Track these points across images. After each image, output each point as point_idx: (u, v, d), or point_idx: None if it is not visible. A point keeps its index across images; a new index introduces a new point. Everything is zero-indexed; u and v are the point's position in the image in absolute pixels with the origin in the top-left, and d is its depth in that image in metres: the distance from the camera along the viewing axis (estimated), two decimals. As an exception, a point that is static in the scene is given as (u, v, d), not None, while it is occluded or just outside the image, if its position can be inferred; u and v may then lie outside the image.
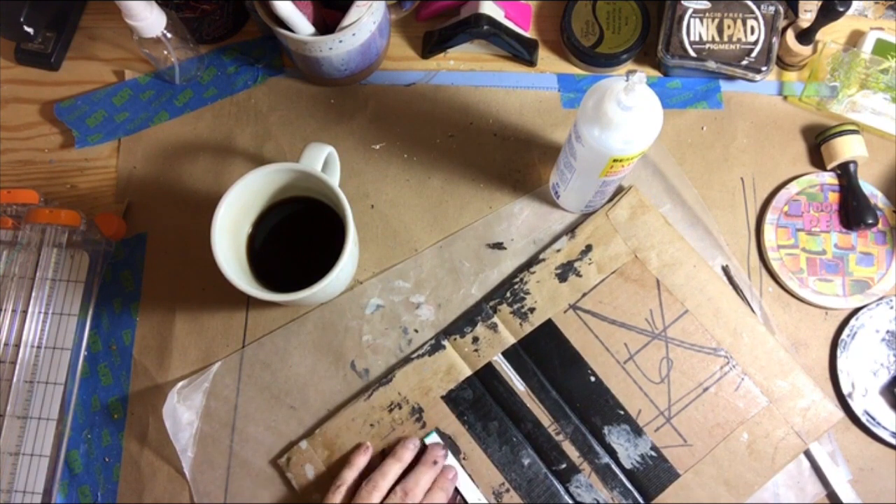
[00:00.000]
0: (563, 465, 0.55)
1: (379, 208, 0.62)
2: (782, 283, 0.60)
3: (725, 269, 0.60)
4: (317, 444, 0.56)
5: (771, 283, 0.60)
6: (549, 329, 0.58)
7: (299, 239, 0.58)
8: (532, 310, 0.58)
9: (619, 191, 0.61)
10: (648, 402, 0.57)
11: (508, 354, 0.58)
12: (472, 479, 0.55)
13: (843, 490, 0.55)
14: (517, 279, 0.59)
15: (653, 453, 0.56)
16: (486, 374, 0.57)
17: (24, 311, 0.58)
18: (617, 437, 0.56)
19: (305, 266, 0.53)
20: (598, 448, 0.56)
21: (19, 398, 0.57)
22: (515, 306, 0.59)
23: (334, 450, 0.56)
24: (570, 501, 0.55)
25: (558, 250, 0.60)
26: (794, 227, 0.61)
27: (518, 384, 0.57)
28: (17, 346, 0.57)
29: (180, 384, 0.57)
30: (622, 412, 0.56)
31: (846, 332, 0.59)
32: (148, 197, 0.63)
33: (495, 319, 0.58)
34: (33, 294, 0.58)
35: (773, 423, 0.56)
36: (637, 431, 0.56)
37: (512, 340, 0.58)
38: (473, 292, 0.60)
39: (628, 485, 0.55)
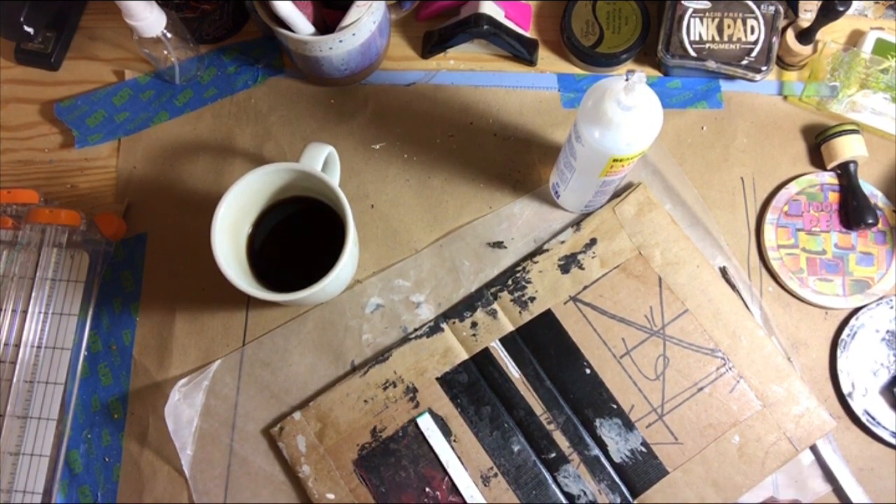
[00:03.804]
0: (553, 455, 0.56)
1: (379, 208, 0.62)
2: (782, 283, 0.60)
3: (723, 270, 0.60)
4: (310, 416, 0.56)
5: (771, 282, 0.60)
6: (548, 319, 0.58)
7: (299, 239, 0.58)
8: (532, 299, 0.59)
9: (628, 187, 0.61)
10: (642, 398, 0.57)
11: (506, 341, 0.58)
12: (461, 462, 0.56)
13: (850, 485, 0.55)
14: (519, 268, 0.59)
15: (643, 449, 0.56)
16: (483, 360, 0.58)
17: (24, 311, 0.58)
18: (608, 431, 0.56)
19: (305, 266, 0.53)
20: (588, 440, 0.56)
21: (19, 398, 0.57)
22: (516, 294, 0.59)
23: (327, 423, 0.56)
24: (557, 491, 0.55)
25: (562, 242, 0.60)
26: (794, 226, 0.61)
27: (513, 371, 0.57)
28: (17, 346, 0.57)
29: (181, 382, 0.57)
30: (615, 406, 0.56)
31: (846, 331, 0.59)
32: (148, 197, 0.63)
33: (495, 306, 0.59)
34: (33, 294, 0.59)
35: (765, 427, 0.56)
36: (628, 426, 0.56)
37: (510, 328, 0.58)
38: (473, 291, 0.60)
39: (616, 478, 0.55)
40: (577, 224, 0.60)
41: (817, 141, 0.62)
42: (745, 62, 0.62)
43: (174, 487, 0.57)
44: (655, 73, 0.66)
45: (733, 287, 0.59)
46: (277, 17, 0.56)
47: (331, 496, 0.55)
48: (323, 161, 0.54)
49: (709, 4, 0.63)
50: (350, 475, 0.55)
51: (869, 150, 0.61)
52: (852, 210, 0.60)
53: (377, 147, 0.64)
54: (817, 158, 0.63)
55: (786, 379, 0.56)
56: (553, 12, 0.67)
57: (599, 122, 0.47)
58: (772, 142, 0.63)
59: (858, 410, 0.57)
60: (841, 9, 0.57)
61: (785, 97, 0.65)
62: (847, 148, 0.60)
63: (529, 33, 0.66)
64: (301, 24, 0.56)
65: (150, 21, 0.56)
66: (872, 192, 0.61)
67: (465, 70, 0.66)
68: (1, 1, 0.60)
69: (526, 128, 0.64)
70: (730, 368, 0.57)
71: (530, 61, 0.65)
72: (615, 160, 0.49)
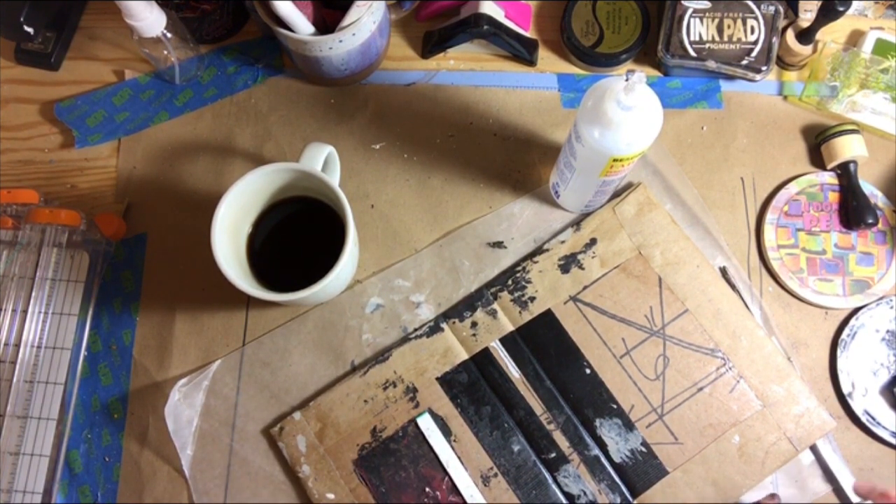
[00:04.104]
0: (553, 455, 0.56)
1: (379, 208, 0.62)
2: (782, 283, 0.60)
3: (723, 270, 0.60)
4: (310, 416, 0.56)
5: (771, 282, 0.60)
6: (547, 319, 0.58)
7: (299, 239, 0.58)
8: (532, 299, 0.59)
9: (628, 187, 0.61)
10: (642, 398, 0.57)
11: (506, 341, 0.58)
12: (461, 462, 0.56)
13: (850, 485, 0.55)
14: (519, 268, 0.59)
15: (643, 449, 0.56)
16: (483, 360, 0.58)
17: (24, 311, 0.58)
18: (608, 431, 0.56)
19: (305, 266, 0.53)
20: (588, 440, 0.56)
21: (19, 398, 0.57)
22: (516, 294, 0.59)
23: (327, 423, 0.56)
24: (557, 491, 0.55)
25: (563, 241, 0.60)
26: (794, 226, 0.61)
27: (513, 371, 0.57)
28: (17, 346, 0.57)
29: (181, 382, 0.57)
30: (615, 406, 0.57)
31: (846, 331, 0.59)
32: (148, 197, 0.63)
33: (495, 306, 0.59)
34: (33, 294, 0.58)
35: (765, 427, 0.56)
36: (628, 426, 0.56)
37: (510, 328, 0.58)
38: (473, 291, 0.60)
39: (616, 478, 0.55)
40: (577, 224, 0.60)
41: (817, 141, 0.62)
42: (745, 62, 0.62)
43: (174, 487, 0.57)
44: (655, 73, 0.66)
45: (733, 287, 0.59)
46: (277, 17, 0.56)
47: (331, 496, 0.55)
48: (323, 161, 0.54)
49: (709, 4, 0.63)
50: (350, 475, 0.55)
51: (869, 150, 0.61)
52: (852, 210, 0.60)
53: (377, 147, 0.64)
54: (817, 158, 0.63)
55: (786, 379, 0.56)
56: (553, 12, 0.67)
57: (599, 122, 0.47)
58: (772, 142, 0.63)
59: (858, 410, 0.57)
60: (841, 9, 0.57)
61: (785, 97, 0.65)
62: (847, 148, 0.60)
63: (529, 33, 0.66)
64: (301, 24, 0.56)
65: (150, 21, 0.56)
66: (872, 192, 0.61)
67: (465, 70, 0.66)
68: (1, 1, 0.60)
69: (526, 128, 0.64)
70: (730, 368, 0.57)
71: (530, 61, 0.65)
72: (615, 160, 0.49)
